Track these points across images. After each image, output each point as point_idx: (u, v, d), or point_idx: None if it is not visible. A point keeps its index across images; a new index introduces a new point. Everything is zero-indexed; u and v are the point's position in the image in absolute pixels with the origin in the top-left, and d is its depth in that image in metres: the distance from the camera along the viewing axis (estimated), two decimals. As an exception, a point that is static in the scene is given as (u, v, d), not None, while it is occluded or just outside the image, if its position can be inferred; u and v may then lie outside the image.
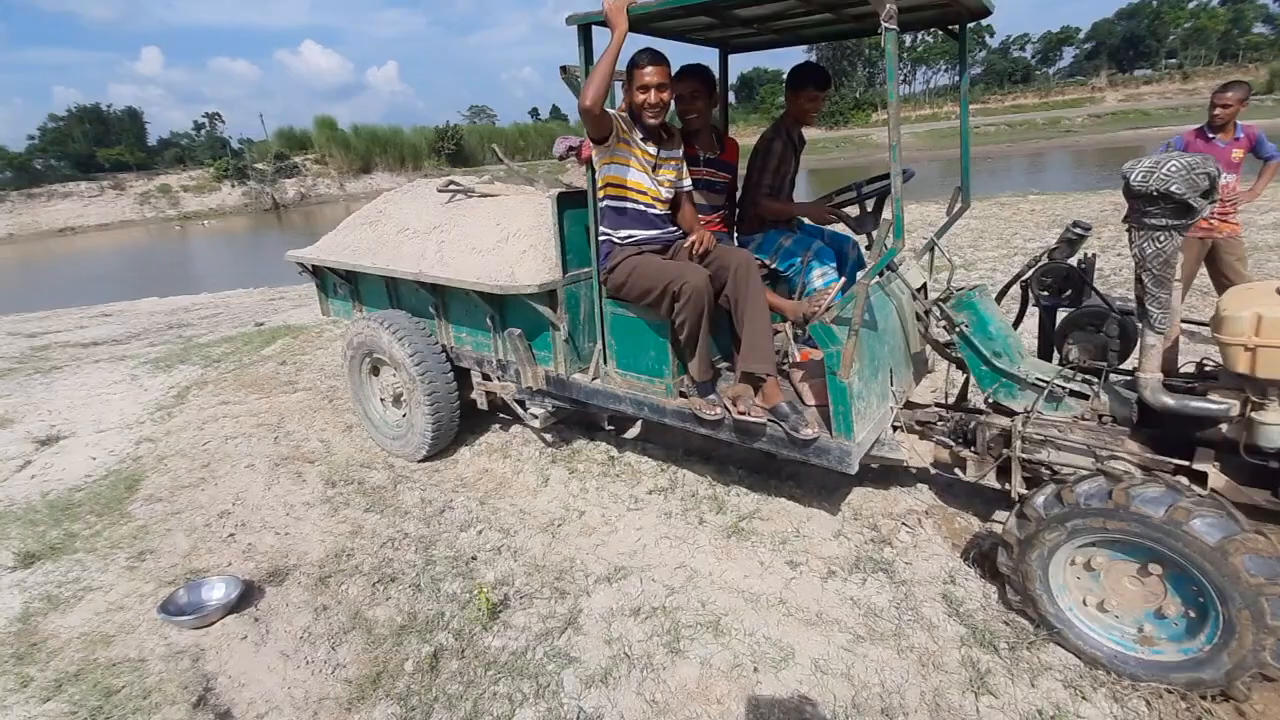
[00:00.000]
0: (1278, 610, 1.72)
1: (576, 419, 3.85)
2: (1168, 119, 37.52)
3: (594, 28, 2.46)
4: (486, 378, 3.53)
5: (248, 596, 2.74)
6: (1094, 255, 2.62)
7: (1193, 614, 1.92)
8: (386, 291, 3.78)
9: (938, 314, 2.57)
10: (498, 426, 4.10)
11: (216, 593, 2.69)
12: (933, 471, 2.73)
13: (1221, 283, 4.46)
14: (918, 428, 2.74)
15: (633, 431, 3.94)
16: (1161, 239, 1.98)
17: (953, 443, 2.61)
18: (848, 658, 2.21)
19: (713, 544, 2.86)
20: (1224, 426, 2.08)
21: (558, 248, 2.91)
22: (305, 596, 2.77)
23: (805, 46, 3.69)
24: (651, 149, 2.62)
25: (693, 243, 2.60)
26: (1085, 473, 2.00)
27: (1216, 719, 1.86)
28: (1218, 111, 4.13)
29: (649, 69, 2.47)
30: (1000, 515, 2.83)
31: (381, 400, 3.89)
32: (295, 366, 5.76)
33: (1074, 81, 58.88)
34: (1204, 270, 4.63)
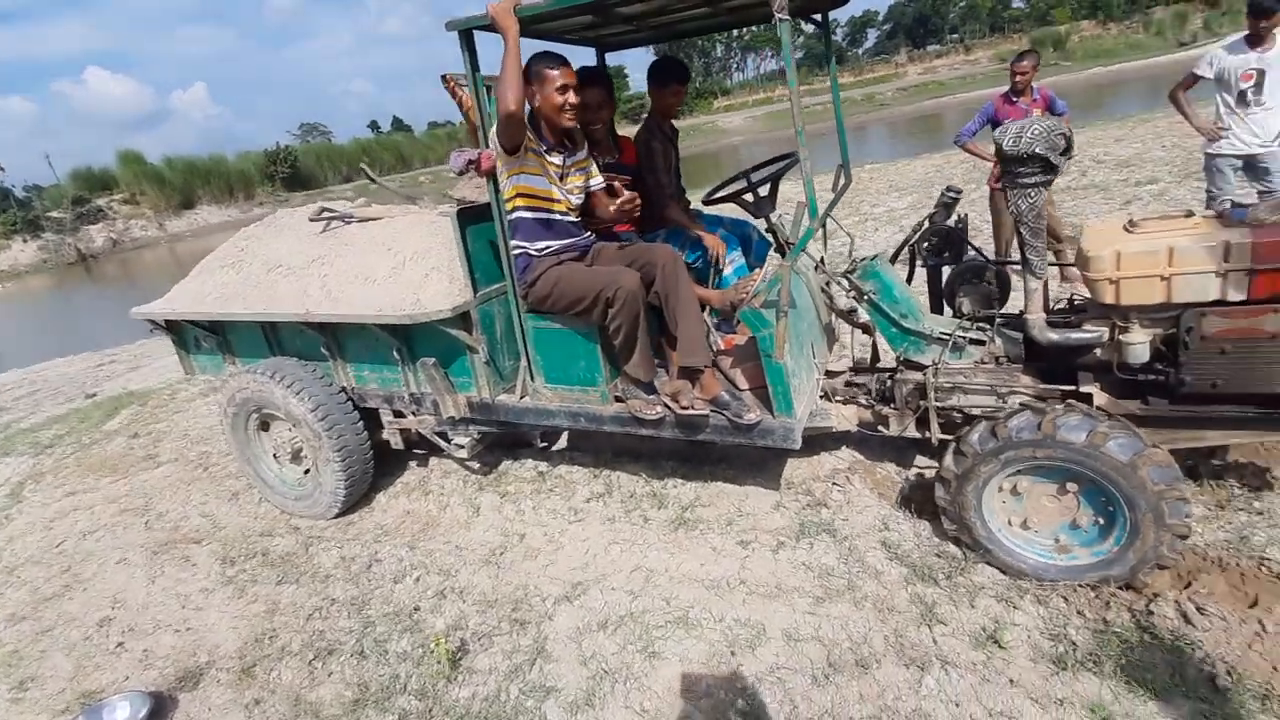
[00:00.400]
0: (1174, 510, 2.01)
1: (500, 440, 3.69)
2: (959, 86, 42.74)
3: (475, 32, 2.34)
4: (399, 414, 3.28)
5: (160, 711, 2.36)
6: (967, 215, 2.90)
7: (1102, 521, 2.18)
8: (265, 338, 3.39)
9: (846, 285, 2.72)
10: (413, 463, 3.83)
11: (121, 714, 2.29)
12: (855, 431, 2.90)
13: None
14: (840, 394, 2.89)
15: (560, 443, 3.84)
16: (1033, 194, 2.23)
17: (874, 403, 2.78)
18: (814, 620, 2.30)
19: (662, 540, 2.86)
20: (1098, 351, 2.38)
21: (465, 267, 2.75)
22: (230, 695, 2.43)
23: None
24: (557, 159, 2.56)
25: (623, 202, 2.62)
26: (1014, 409, 2.21)
27: (1121, 600, 2.14)
28: (1018, 78, 4.72)
29: (562, 70, 2.43)
30: (921, 461, 3.07)
31: (276, 458, 3.49)
32: (151, 437, 5.04)
33: (880, 59, 65.67)
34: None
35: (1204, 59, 4.36)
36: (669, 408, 2.57)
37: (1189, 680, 1.86)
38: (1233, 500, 2.51)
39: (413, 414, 3.22)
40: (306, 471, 3.37)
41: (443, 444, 3.27)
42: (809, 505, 2.90)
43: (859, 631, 2.22)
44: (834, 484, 3.00)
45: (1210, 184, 4.51)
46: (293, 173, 43.11)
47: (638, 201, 2.69)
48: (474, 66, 2.44)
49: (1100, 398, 2.37)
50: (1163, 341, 2.20)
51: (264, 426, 3.45)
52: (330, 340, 3.18)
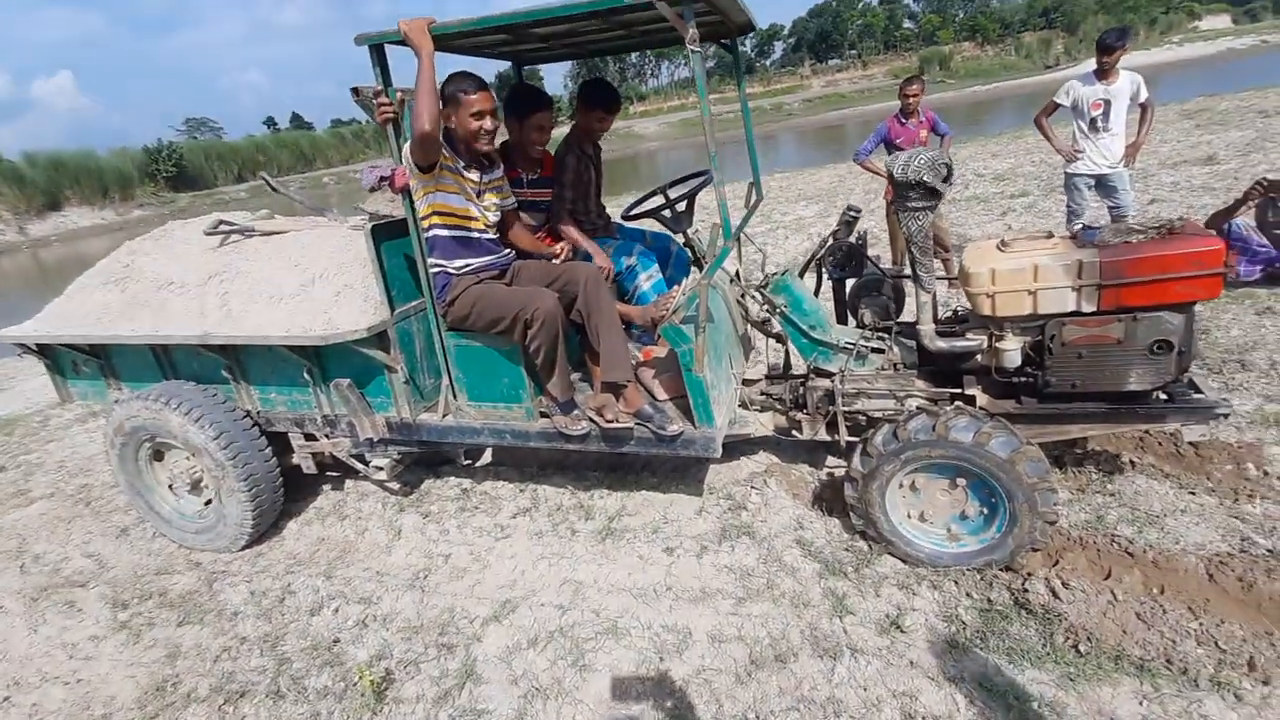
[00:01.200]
0: (1045, 500, 2.27)
1: (421, 458, 3.60)
2: (858, 100, 45.51)
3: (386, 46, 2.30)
4: (311, 438, 3.14)
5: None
6: (866, 231, 3.13)
7: (985, 512, 2.42)
8: (156, 361, 3.15)
9: (759, 299, 2.87)
10: (327, 487, 3.68)
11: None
12: (772, 436, 3.05)
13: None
14: (757, 401, 3.04)
15: (484, 458, 3.79)
16: (920, 217, 2.44)
17: (789, 409, 2.94)
18: (736, 621, 2.41)
19: (590, 551, 2.90)
20: (979, 357, 2.64)
21: (380, 285, 2.68)
22: (130, 750, 2.26)
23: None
24: (475, 175, 2.55)
25: (562, 249, 2.65)
26: (911, 413, 2.41)
27: (1001, 581, 2.39)
28: (909, 100, 5.13)
29: (480, 95, 2.41)
30: (831, 462, 3.27)
31: (172, 489, 3.25)
32: (21, 470, 4.55)
33: (786, 71, 68.90)
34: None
35: (1062, 90, 4.92)
36: (594, 422, 2.62)
37: (1057, 648, 2.09)
38: (1090, 484, 2.84)
39: (326, 437, 3.10)
40: (208, 502, 3.16)
41: (360, 466, 3.16)
42: (730, 509, 3.02)
43: (778, 628, 2.35)
44: (752, 487, 3.13)
45: (1069, 200, 5.08)
46: (178, 172, 39.79)
47: (568, 252, 2.73)
48: (386, 80, 2.39)
49: (982, 399, 2.63)
50: (1031, 347, 2.48)
51: (157, 456, 3.21)
52: (232, 362, 3.01)
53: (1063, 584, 2.23)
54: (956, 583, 2.42)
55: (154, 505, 3.27)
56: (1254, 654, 1.96)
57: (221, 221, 3.20)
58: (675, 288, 2.64)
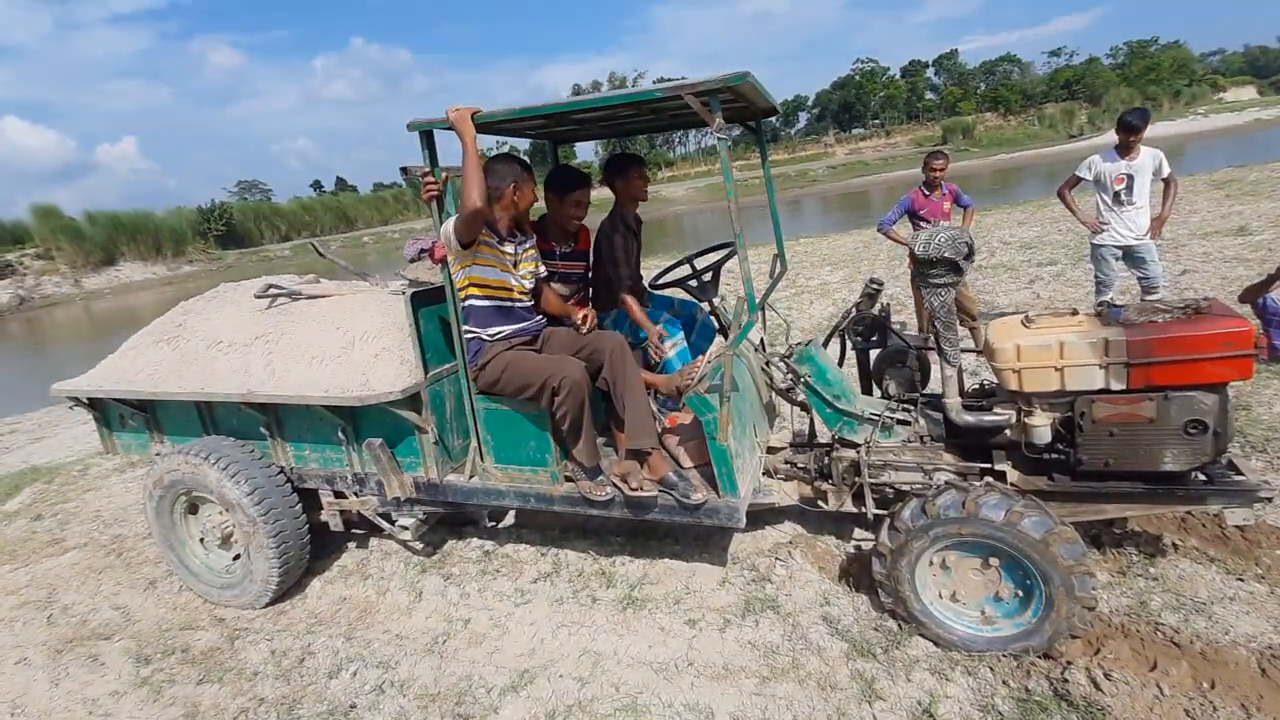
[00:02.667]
0: (1083, 585, 2.19)
1: (444, 519, 3.62)
2: (881, 168, 46.47)
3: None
4: (340, 495, 3.20)
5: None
6: (889, 303, 3.17)
7: (1020, 594, 2.34)
8: (199, 417, 3.28)
9: (784, 369, 2.90)
10: (351, 545, 3.70)
11: None
12: (798, 506, 3.02)
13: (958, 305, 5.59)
14: (781, 470, 3.03)
15: (507, 520, 3.79)
16: (943, 293, 2.49)
17: (814, 479, 2.92)
18: (760, 702, 2.33)
19: (610, 621, 2.85)
20: (1008, 432, 2.61)
21: (417, 348, 2.79)
22: (142, 813, 2.23)
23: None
24: (509, 248, 2.68)
25: (585, 318, 2.73)
26: (940, 488, 2.38)
27: (1039, 669, 2.29)
28: (935, 174, 5.25)
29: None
30: (859, 534, 3.20)
31: (203, 543, 3.31)
32: (58, 519, 4.67)
33: (810, 139, 71.08)
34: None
35: (1084, 164, 5.01)
36: (618, 488, 2.63)
37: None
38: (1131, 567, 2.73)
39: (355, 494, 3.15)
40: (236, 557, 3.21)
41: (385, 525, 3.19)
42: (754, 580, 2.96)
43: (804, 711, 2.27)
44: (777, 558, 3.07)
45: (1097, 270, 5.08)
46: (227, 230, 41.90)
47: (594, 322, 2.84)
48: (433, 161, 2.56)
49: (1012, 474, 2.58)
50: (1062, 424, 2.45)
51: (192, 510, 3.29)
52: (271, 419, 3.12)
53: (1105, 675, 2.13)
54: (992, 669, 2.32)
55: (184, 559, 3.32)
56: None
57: (271, 285, 3.38)
58: (700, 356, 2.70)
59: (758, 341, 3.17)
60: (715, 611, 2.80)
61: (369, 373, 2.82)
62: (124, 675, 2.91)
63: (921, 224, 5.13)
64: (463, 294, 2.62)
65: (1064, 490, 2.48)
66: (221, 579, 3.26)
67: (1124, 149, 4.77)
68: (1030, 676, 2.26)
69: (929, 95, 78.39)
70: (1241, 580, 2.59)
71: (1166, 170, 4.78)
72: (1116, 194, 4.81)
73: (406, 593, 3.23)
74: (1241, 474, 2.33)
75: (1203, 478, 2.36)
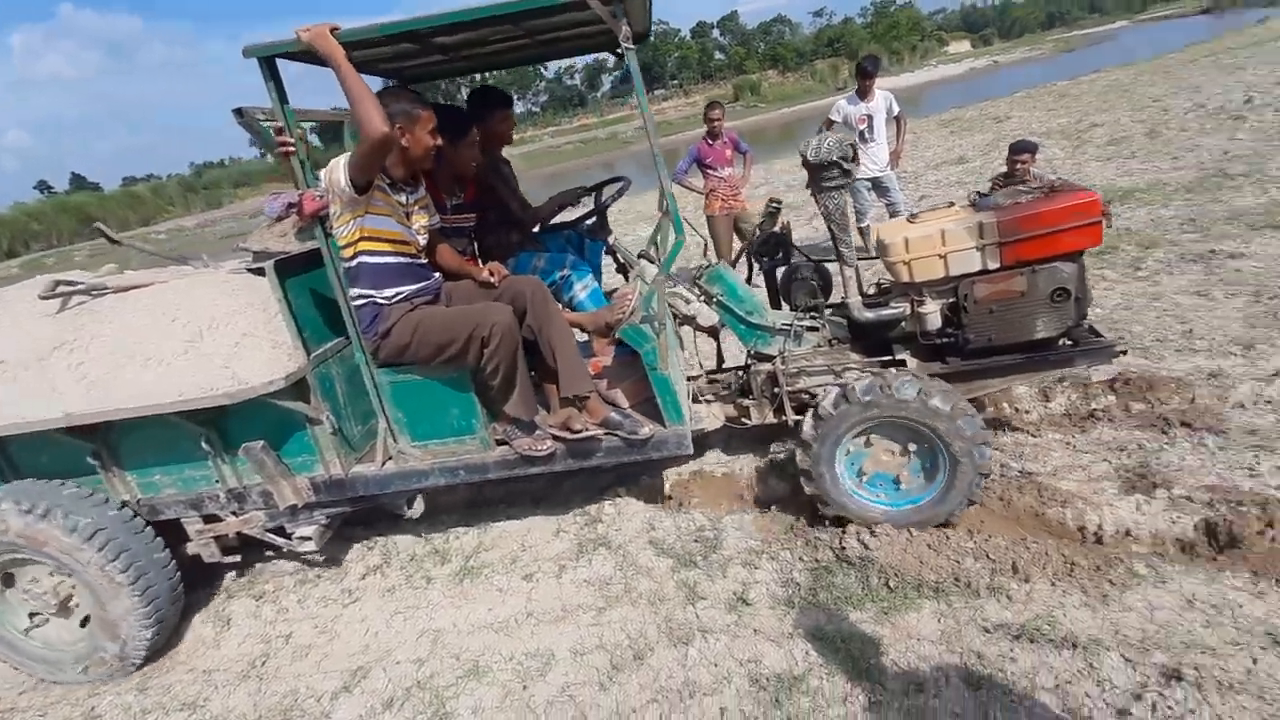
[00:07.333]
0: (982, 455, 2.40)
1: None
2: (683, 126, 48.57)
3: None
4: (211, 519, 2.67)
5: None
6: (789, 222, 3.28)
7: (928, 466, 2.55)
8: (-12, 459, 2.52)
9: (696, 291, 2.89)
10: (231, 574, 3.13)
11: None
12: (723, 427, 3.03)
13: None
14: (704, 394, 3.05)
15: (417, 508, 3.39)
16: (836, 195, 2.60)
17: (736, 397, 2.98)
18: (597, 631, 2.38)
19: (447, 596, 2.74)
20: (904, 324, 2.84)
21: (292, 327, 2.35)
22: None
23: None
24: (402, 197, 2.33)
25: (491, 273, 2.48)
26: (858, 375, 2.51)
27: (824, 542, 2.50)
28: (715, 123, 5.57)
29: (429, 111, 2.25)
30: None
31: (33, 617, 2.60)
32: None
33: (617, 102, 72.04)
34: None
35: (834, 108, 5.75)
36: (559, 439, 2.48)
37: (873, 589, 2.29)
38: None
39: (234, 514, 2.65)
40: (84, 622, 2.57)
41: (280, 541, 2.73)
42: (586, 524, 2.97)
43: (636, 628, 2.35)
44: (605, 499, 3.11)
45: (854, 201, 5.72)
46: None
47: (504, 273, 2.56)
48: (282, 97, 2.13)
49: (912, 363, 2.83)
50: (949, 309, 2.71)
51: (6, 581, 2.55)
52: (99, 445, 2.49)
53: (871, 533, 2.45)
54: (790, 551, 2.55)
55: (15, 644, 2.59)
56: (1015, 559, 2.26)
57: (59, 283, 2.64)
58: (626, 288, 2.59)
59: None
60: (550, 561, 2.79)
61: (233, 365, 2.33)
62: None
63: (709, 170, 5.52)
64: (349, 251, 2.24)
65: (957, 370, 2.73)
66: (73, 651, 2.59)
67: (862, 93, 5.50)
68: (818, 550, 2.51)
69: (718, 55, 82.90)
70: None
71: (896, 109, 5.59)
72: (860, 133, 5.48)
73: (210, 624, 2.85)
74: (1101, 336, 2.69)
75: (1069, 343, 2.69)
